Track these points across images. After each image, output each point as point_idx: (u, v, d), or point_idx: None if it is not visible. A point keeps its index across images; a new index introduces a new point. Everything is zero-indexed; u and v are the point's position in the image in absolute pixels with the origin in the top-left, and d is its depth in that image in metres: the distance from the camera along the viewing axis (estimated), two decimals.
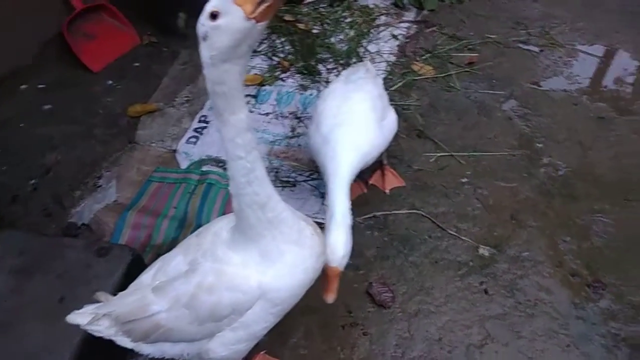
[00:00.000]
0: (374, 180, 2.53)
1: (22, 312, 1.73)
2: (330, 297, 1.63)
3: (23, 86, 3.12)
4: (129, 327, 1.45)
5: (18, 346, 1.65)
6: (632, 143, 2.77)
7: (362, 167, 2.03)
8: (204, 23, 1.05)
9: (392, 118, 2.30)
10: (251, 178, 1.24)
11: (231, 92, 1.12)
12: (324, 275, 1.65)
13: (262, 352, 1.91)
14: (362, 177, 2.49)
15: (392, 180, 2.51)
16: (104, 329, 1.49)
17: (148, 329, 1.43)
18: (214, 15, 1.03)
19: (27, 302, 1.76)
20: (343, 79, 2.31)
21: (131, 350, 1.54)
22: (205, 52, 1.08)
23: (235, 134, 1.18)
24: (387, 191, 2.48)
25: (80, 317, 1.52)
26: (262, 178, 1.27)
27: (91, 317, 1.50)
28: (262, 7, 1.01)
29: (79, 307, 1.63)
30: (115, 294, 1.73)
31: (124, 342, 1.49)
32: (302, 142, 2.75)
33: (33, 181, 2.58)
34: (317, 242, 1.46)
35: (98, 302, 1.58)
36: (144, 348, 1.52)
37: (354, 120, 2.06)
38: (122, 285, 1.77)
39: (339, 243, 1.68)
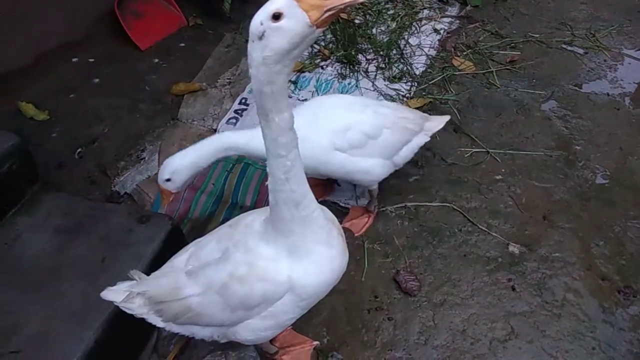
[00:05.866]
0: (348, 224, 2.33)
1: (65, 270, 1.82)
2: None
3: (74, 59, 3.24)
4: (160, 307, 1.51)
5: (60, 302, 1.73)
6: None
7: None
8: (263, 22, 1.02)
9: (369, 164, 2.03)
10: (290, 176, 1.25)
11: (279, 91, 1.11)
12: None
13: (289, 328, 1.96)
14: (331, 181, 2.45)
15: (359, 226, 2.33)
16: (136, 307, 1.54)
17: (179, 311, 1.48)
18: (276, 16, 1.00)
19: (70, 261, 1.85)
20: (371, 102, 2.12)
21: None
22: (258, 52, 1.05)
23: (279, 133, 1.18)
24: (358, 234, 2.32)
25: (114, 294, 1.57)
26: (300, 176, 1.28)
27: (125, 295, 1.56)
28: (327, 15, 0.99)
29: (120, 268, 1.72)
30: (154, 261, 1.81)
31: (156, 321, 1.55)
32: None
33: (79, 150, 2.70)
34: (341, 243, 1.49)
35: (131, 279, 1.62)
36: (175, 328, 1.57)
37: (307, 123, 1.87)
38: (161, 251, 1.86)
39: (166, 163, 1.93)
